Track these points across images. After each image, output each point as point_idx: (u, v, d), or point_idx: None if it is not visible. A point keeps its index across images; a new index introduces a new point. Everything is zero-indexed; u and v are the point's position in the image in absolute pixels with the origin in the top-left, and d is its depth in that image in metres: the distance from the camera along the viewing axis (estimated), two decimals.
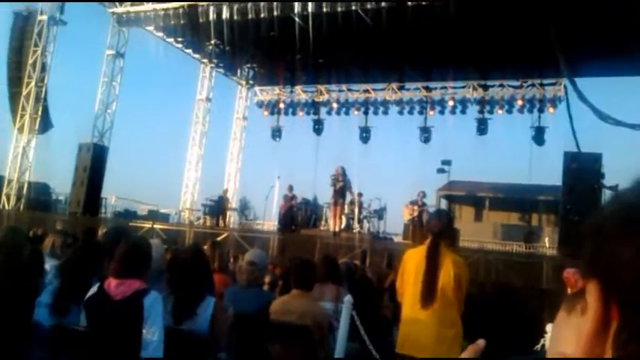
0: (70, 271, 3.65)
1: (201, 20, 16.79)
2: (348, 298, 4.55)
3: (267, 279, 6.09)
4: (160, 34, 19.34)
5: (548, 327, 3.85)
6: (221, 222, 18.42)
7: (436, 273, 4.00)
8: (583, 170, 12.01)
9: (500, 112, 19.11)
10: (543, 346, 3.88)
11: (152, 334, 3.17)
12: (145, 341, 3.16)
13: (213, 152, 24.24)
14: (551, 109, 18.38)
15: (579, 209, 11.72)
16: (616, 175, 15.02)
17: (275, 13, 15.73)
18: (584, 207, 11.75)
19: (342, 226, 15.71)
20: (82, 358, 3.19)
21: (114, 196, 19.85)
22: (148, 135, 65.75)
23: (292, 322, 4.46)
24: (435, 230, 4.20)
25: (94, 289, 3.34)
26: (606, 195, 13.54)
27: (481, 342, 0.74)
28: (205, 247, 5.20)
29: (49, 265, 4.06)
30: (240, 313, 4.51)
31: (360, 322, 4.62)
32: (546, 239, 16.92)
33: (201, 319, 3.63)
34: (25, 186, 18.07)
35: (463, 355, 0.72)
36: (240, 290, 4.85)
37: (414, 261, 4.21)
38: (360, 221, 16.30)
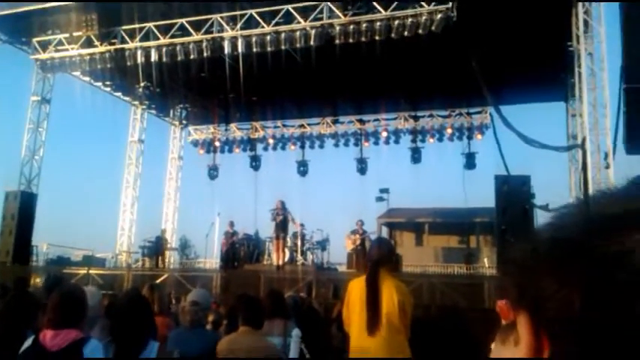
0: (2, 324, 3.46)
1: (128, 63, 16.53)
2: (296, 332, 4.52)
3: (210, 318, 5.96)
4: (87, 78, 18.95)
5: (493, 346, 3.93)
6: (160, 263, 17.95)
7: (378, 300, 4.03)
8: (513, 192, 12.47)
9: (431, 140, 19.78)
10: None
11: None
12: None
13: (148, 193, 23.80)
14: (479, 136, 19.18)
15: (513, 229, 12.12)
16: (545, 195, 15.73)
17: (205, 54, 15.69)
18: (517, 227, 12.17)
19: (286, 259, 15.64)
20: None
21: (45, 243, 19.04)
22: (80, 179, 63.90)
23: None
24: (374, 258, 4.25)
25: (28, 342, 3.18)
26: (537, 214, 14.14)
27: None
28: (144, 290, 5.04)
29: None
30: (186, 355, 4.39)
31: (309, 355, 4.58)
32: (485, 259, 17.41)
33: None
34: None
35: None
36: (185, 332, 4.73)
37: (358, 290, 4.23)
38: (303, 253, 16.27)
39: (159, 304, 5.15)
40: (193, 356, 4.50)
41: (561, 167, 18.73)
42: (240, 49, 15.31)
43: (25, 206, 15.96)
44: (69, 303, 3.24)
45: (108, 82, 19.18)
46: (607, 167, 12.85)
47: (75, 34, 16.61)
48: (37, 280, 12.34)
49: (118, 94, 20.51)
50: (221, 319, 6.30)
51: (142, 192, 22.00)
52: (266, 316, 5.14)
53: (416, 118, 19.81)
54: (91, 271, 14.35)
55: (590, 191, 12.95)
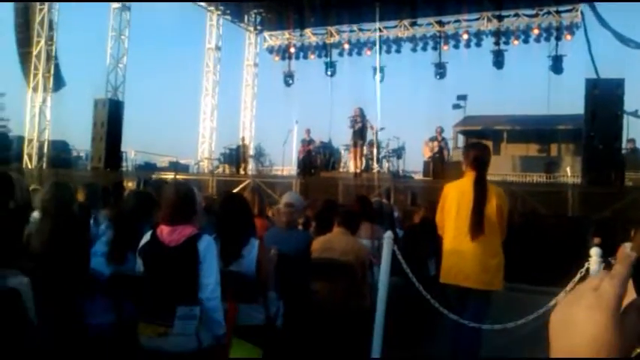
0: (123, 220, 3.73)
1: None
2: (388, 234, 4.61)
3: (300, 220, 6.19)
4: None
5: (593, 251, 3.88)
6: (242, 170, 18.55)
7: (484, 204, 4.05)
8: (605, 96, 11.82)
9: (516, 42, 18.72)
10: (588, 269, 3.92)
11: (208, 276, 3.27)
12: (202, 283, 3.26)
13: (227, 101, 24.13)
14: (568, 37, 18.00)
15: (603, 136, 11.62)
16: (636, 101, 14.83)
17: None
18: (607, 134, 11.66)
19: (362, 167, 15.74)
20: (145, 302, 3.30)
21: (133, 149, 20.00)
22: (161, 87, 65.54)
23: (335, 259, 4.56)
24: (481, 162, 4.21)
25: (146, 237, 3.42)
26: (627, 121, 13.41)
27: (632, 253, 0.73)
28: (245, 193, 5.27)
29: (98, 215, 4.15)
30: (282, 253, 4.61)
31: (400, 256, 4.71)
32: (567, 168, 16.84)
33: (247, 261, 3.72)
34: (45, 144, 18.23)
35: (615, 267, 0.72)
36: (280, 232, 4.94)
37: (454, 194, 4.25)
38: (379, 161, 16.31)
39: (258, 207, 5.37)
40: (289, 255, 4.73)
41: None
42: None
43: (113, 113, 16.65)
44: (183, 200, 3.43)
45: None
46: None
47: None
48: (130, 185, 13.05)
49: None
50: (309, 221, 6.54)
51: (221, 99, 22.42)
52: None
53: (500, 18, 18.66)
54: (178, 176, 15.04)
55: None
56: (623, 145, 13.11)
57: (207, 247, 3.30)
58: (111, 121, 16.43)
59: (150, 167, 19.27)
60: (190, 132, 22.50)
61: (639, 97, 18.28)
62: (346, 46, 20.85)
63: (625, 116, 12.74)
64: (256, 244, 3.85)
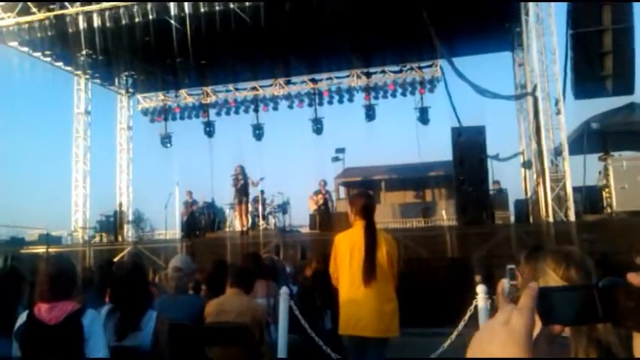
0: None
1: (70, 30, 15.83)
2: (284, 290, 4.54)
3: (189, 284, 5.95)
4: (26, 48, 18.02)
5: (479, 288, 4.07)
6: (120, 237, 17.62)
7: (375, 251, 4.11)
8: (470, 143, 12.75)
9: (385, 97, 19.86)
10: (476, 306, 4.10)
11: (96, 353, 3.01)
12: None
13: (100, 166, 23.09)
14: (431, 90, 19.38)
15: (471, 180, 12.46)
16: (495, 145, 16.18)
17: (150, 16, 15.18)
18: (475, 177, 12.53)
19: (249, 224, 15.61)
20: None
21: None
22: (28, 156, 61.44)
23: (230, 322, 4.40)
24: (369, 209, 4.30)
25: (22, 318, 3.10)
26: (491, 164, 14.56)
27: (534, 284, 0.76)
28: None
29: None
30: (174, 322, 4.37)
31: (298, 312, 4.64)
32: (443, 212, 17.81)
33: (144, 334, 3.49)
34: None
35: (522, 301, 0.74)
36: (170, 298, 4.70)
37: (346, 244, 4.29)
38: (265, 217, 16.28)
39: None
40: (182, 322, 4.49)
41: (508, 118, 19.27)
42: (186, 10, 14.85)
43: None
44: (61, 274, 3.17)
45: (48, 52, 18.28)
46: (558, 113, 13.27)
47: (10, 1, 15.74)
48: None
49: (59, 63, 19.62)
50: (199, 285, 6.29)
51: (93, 165, 21.33)
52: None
53: (368, 75, 19.83)
54: (50, 249, 13.97)
55: (543, 138, 13.38)
56: (490, 186, 14.15)
57: (92, 321, 3.06)
58: None
59: (17, 242, 17.72)
60: (62, 201, 21.21)
61: (499, 141, 20.07)
62: (223, 106, 20.93)
63: (488, 160, 13.82)
64: (154, 316, 3.64)
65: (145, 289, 3.71)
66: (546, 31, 14.01)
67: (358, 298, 4.17)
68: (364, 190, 5.76)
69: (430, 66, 19.46)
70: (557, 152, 13.40)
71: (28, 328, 3.03)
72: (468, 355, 0.72)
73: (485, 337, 0.71)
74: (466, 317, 4.05)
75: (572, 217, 12.58)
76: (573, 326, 0.79)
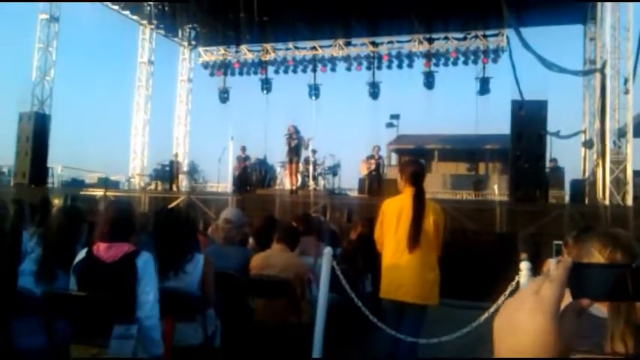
0: (53, 238, 3.58)
1: None
2: (327, 250, 4.64)
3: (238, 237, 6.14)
4: None
5: (523, 265, 4.05)
6: (174, 187, 18.18)
7: (422, 218, 4.14)
8: (530, 118, 12.38)
9: (445, 65, 19.41)
10: (518, 282, 4.09)
11: (147, 293, 3.19)
12: (141, 301, 3.17)
13: (159, 116, 23.72)
14: (495, 60, 18.81)
15: (528, 156, 12.16)
16: (556, 122, 15.68)
17: None
18: (532, 154, 12.21)
19: (298, 184, 15.80)
20: (79, 321, 3.18)
21: (60, 165, 19.22)
22: (91, 101, 63.59)
23: (274, 276, 4.54)
24: (419, 177, 4.32)
25: (82, 254, 3.31)
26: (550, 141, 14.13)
27: (568, 258, 0.79)
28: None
29: (24, 233, 3.97)
30: (221, 270, 4.55)
31: (340, 272, 4.74)
32: (495, 186, 17.51)
33: (191, 278, 3.66)
34: None
35: (554, 273, 0.77)
36: (219, 248, 4.88)
37: (393, 210, 4.33)
38: (315, 178, 16.43)
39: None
40: (228, 271, 4.66)
41: (574, 94, 18.57)
42: None
43: (40, 127, 15.94)
44: (122, 218, 3.35)
45: (116, 0, 18.71)
46: (626, 93, 12.72)
47: None
48: (56, 201, 12.54)
49: (126, 12, 20.07)
50: (247, 237, 6.48)
51: (153, 115, 21.97)
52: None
53: (430, 41, 19.38)
54: (108, 193, 14.55)
55: (607, 117, 12.87)
56: (547, 164, 13.80)
57: (146, 263, 3.23)
58: (37, 135, 15.73)
59: (78, 184, 18.52)
60: (121, 148, 21.96)
61: (561, 118, 19.42)
62: (282, 64, 20.95)
63: (548, 136, 13.43)
64: (201, 260, 3.80)
65: (189, 234, 3.86)
66: (622, 6, 13.32)
67: (401, 264, 4.23)
68: (415, 158, 5.74)
69: (496, 35, 18.86)
70: (621, 133, 12.90)
71: (86, 264, 3.23)
72: (497, 320, 0.76)
73: (515, 303, 0.75)
74: (507, 292, 4.04)
75: (629, 202, 12.17)
76: (601, 302, 0.83)
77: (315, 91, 20.69)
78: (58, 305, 3.28)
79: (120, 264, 3.18)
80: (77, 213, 3.87)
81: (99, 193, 14.75)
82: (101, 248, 3.24)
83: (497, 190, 16.90)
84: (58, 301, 3.29)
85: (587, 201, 13.96)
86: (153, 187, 19.45)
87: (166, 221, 3.89)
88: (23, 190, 14.74)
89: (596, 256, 2.12)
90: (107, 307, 3.15)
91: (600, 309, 2.30)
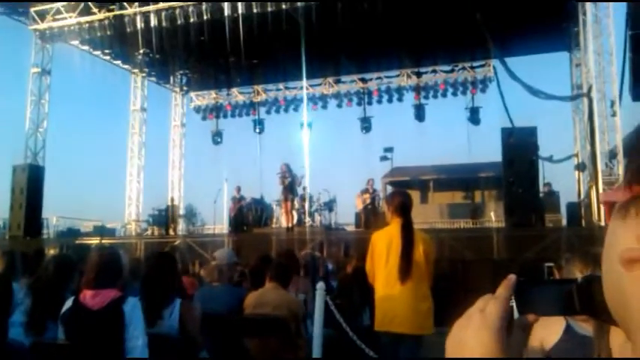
0: (42, 288, 3.57)
1: (128, 30, 16.44)
2: (320, 285, 4.62)
3: (234, 277, 6.12)
4: (86, 47, 18.80)
5: (611, 224, 4.01)
6: (171, 231, 18.13)
7: (412, 249, 4.15)
8: (520, 144, 12.46)
9: (435, 97, 19.65)
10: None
11: (136, 338, 3.17)
12: (129, 347, 3.15)
13: (153, 162, 23.80)
14: (483, 90, 19.06)
15: (521, 181, 12.20)
16: (548, 147, 15.81)
17: (205, 17, 15.61)
18: (525, 179, 12.26)
19: (294, 221, 15.79)
20: None
21: (55, 216, 19.20)
22: (85, 151, 63.92)
23: (268, 314, 4.51)
24: (406, 207, 4.34)
25: (69, 303, 3.30)
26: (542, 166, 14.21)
27: (512, 276, 0.80)
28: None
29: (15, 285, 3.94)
30: (214, 311, 4.51)
31: (334, 307, 4.72)
32: (491, 213, 17.51)
33: (169, 322, 3.64)
34: None
35: (499, 290, 0.78)
36: (211, 289, 4.86)
37: (383, 241, 4.34)
38: (311, 215, 16.43)
39: (181, 265, 5.27)
40: (221, 312, 4.63)
41: (564, 119, 18.76)
42: (240, 10, 15.15)
43: (34, 179, 15.98)
44: (107, 263, 3.35)
45: (107, 51, 19.03)
46: (614, 115, 12.87)
47: (73, 1, 16.44)
48: (52, 252, 12.49)
49: (118, 62, 20.36)
50: (243, 277, 6.46)
51: (148, 160, 22.07)
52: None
53: (419, 75, 19.66)
54: (103, 241, 14.51)
55: (597, 140, 12.99)
56: (541, 188, 13.83)
57: (133, 308, 3.22)
58: (30, 187, 15.75)
59: (73, 233, 18.46)
60: (117, 195, 21.97)
61: (553, 143, 19.57)
62: (273, 104, 21.21)
63: (540, 161, 13.51)
64: (177, 304, 3.78)
65: (169, 280, 3.85)
66: (604, 32, 13.61)
67: (394, 295, 4.22)
68: (401, 189, 5.77)
69: (483, 66, 19.13)
70: (612, 155, 12.99)
71: (73, 313, 3.21)
72: (448, 339, 0.77)
73: (463, 322, 0.76)
74: None
75: None
76: (547, 316, 0.83)
77: (307, 128, 20.87)
78: (46, 356, 3.24)
79: (106, 311, 3.16)
80: (67, 262, 3.87)
81: (95, 241, 14.70)
82: (87, 295, 3.23)
83: (494, 216, 16.89)
84: (46, 351, 3.25)
85: (583, 223, 13.95)
86: (149, 232, 19.40)
87: (148, 268, 3.90)
88: (18, 242, 14.68)
89: (578, 276, 2.11)
90: (95, 356, 3.12)
91: (586, 328, 2.29)
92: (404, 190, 5.28)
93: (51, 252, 13.01)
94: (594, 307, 0.72)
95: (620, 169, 12.77)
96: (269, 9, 14.86)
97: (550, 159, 16.18)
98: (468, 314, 0.77)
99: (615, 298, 0.62)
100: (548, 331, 2.38)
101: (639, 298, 0.57)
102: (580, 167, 16.56)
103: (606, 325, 2.03)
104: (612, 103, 12.99)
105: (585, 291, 0.74)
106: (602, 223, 12.39)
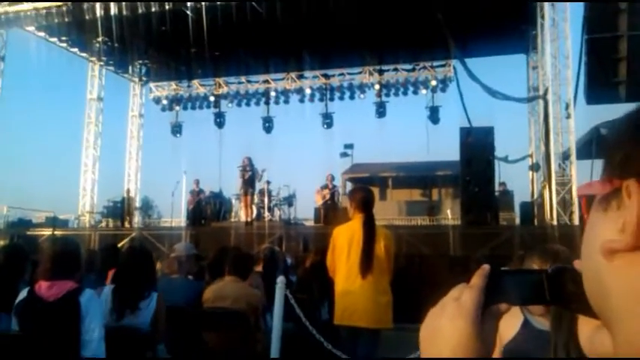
0: None
1: (87, 17, 16.00)
2: (280, 279, 4.63)
3: (192, 270, 6.06)
4: (42, 33, 18.21)
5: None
6: (126, 223, 17.79)
7: (373, 244, 4.19)
8: (478, 143, 12.72)
9: (396, 94, 19.86)
10: None
11: (92, 331, 3.11)
12: (85, 340, 3.09)
13: (110, 153, 23.26)
14: (443, 89, 19.36)
15: (477, 180, 12.46)
16: (504, 147, 16.17)
17: (167, 7, 15.33)
18: (481, 178, 12.52)
19: (254, 215, 15.72)
20: None
21: (5, 205, 18.59)
22: (38, 140, 62.02)
23: (227, 308, 4.48)
24: (368, 203, 4.38)
25: (23, 294, 3.21)
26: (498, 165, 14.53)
27: (486, 266, 0.82)
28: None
29: None
30: (171, 304, 4.46)
31: (293, 300, 4.73)
32: (448, 211, 17.82)
33: (144, 314, 3.60)
34: None
35: (473, 280, 0.79)
36: (170, 281, 4.80)
37: (345, 236, 4.37)
38: (270, 209, 16.38)
39: None
40: (179, 305, 4.58)
41: (520, 120, 19.23)
42: (202, 1, 14.96)
43: None
44: (64, 254, 3.27)
45: (64, 38, 18.47)
46: (568, 117, 13.24)
47: None
48: (1, 242, 12.11)
49: (75, 49, 19.79)
50: (202, 270, 6.40)
51: (104, 151, 21.54)
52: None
53: (381, 72, 19.83)
54: (55, 232, 14.12)
55: (552, 141, 13.36)
56: (496, 187, 14.15)
57: (90, 300, 3.15)
58: None
59: (24, 224, 17.90)
60: (70, 186, 21.39)
61: (509, 143, 20.05)
62: (234, 98, 21.03)
63: (496, 161, 13.81)
64: (155, 297, 3.75)
65: (149, 272, 3.83)
66: (561, 35, 13.98)
67: (354, 290, 4.26)
68: (363, 185, 5.83)
69: (443, 65, 19.42)
70: (565, 156, 13.39)
71: (27, 304, 3.13)
72: (422, 328, 0.78)
73: (437, 311, 0.77)
74: None
75: (576, 221, 12.57)
76: (519, 306, 0.85)
77: (268, 123, 20.79)
78: None
79: (62, 302, 3.09)
80: (18, 251, 3.77)
81: (47, 232, 14.31)
82: (43, 287, 3.15)
83: (450, 214, 17.20)
84: None
85: (536, 222, 14.35)
86: (104, 224, 18.99)
87: (127, 260, 3.84)
88: None
89: None
90: (50, 348, 3.04)
91: (543, 322, 2.36)
92: (366, 187, 5.32)
93: (1, 242, 12.63)
94: (564, 298, 0.75)
95: (572, 170, 13.17)
96: (232, 1, 14.71)
97: (506, 159, 16.54)
98: (442, 303, 0.78)
99: (595, 289, 0.63)
100: (505, 325, 2.43)
101: (619, 288, 0.58)
102: (534, 167, 17.01)
103: (566, 320, 2.10)
104: (567, 106, 13.36)
105: (555, 281, 0.76)
106: (555, 222, 12.77)
